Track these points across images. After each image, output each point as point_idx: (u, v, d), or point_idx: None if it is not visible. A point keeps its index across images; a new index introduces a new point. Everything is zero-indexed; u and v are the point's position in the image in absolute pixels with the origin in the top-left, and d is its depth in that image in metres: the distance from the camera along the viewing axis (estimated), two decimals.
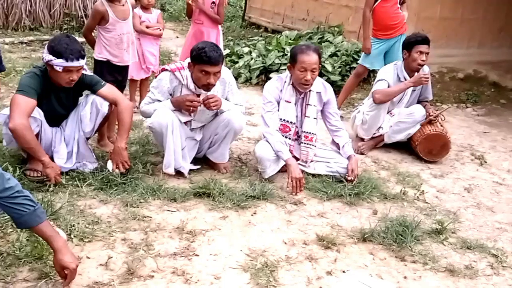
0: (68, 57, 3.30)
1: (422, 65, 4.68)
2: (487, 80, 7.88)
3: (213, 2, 5.82)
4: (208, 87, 3.66)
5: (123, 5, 4.24)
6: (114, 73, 4.31)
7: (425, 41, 4.66)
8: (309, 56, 3.81)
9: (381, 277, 2.83)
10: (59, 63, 3.31)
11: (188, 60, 3.69)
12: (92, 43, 4.34)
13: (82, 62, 3.40)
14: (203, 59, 3.52)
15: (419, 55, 4.65)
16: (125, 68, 4.48)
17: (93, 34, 4.49)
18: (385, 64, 5.46)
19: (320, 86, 4.04)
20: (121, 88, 4.34)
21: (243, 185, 3.76)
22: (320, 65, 3.94)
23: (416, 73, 4.69)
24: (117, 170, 3.53)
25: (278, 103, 3.99)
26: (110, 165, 3.56)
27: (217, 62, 3.57)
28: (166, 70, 3.75)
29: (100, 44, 4.24)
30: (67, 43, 3.34)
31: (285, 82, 3.98)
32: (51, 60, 3.32)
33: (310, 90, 3.96)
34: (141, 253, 2.79)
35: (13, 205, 2.28)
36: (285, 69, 4.28)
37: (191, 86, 3.72)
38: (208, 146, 4.02)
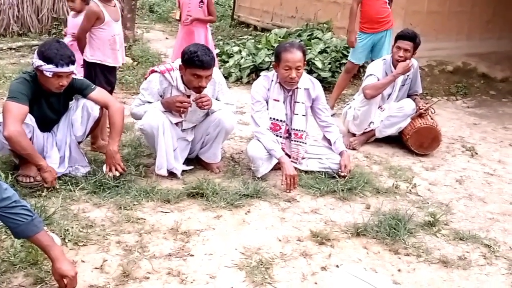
0: (58, 62, 3.29)
1: (399, 61, 4.66)
2: (476, 72, 7.94)
3: (201, 1, 5.84)
4: (199, 90, 3.66)
5: (114, 5, 4.24)
6: (106, 74, 4.30)
7: (405, 37, 4.68)
8: (293, 54, 3.81)
9: (376, 270, 2.86)
10: (49, 69, 3.30)
11: (179, 61, 3.70)
12: (83, 46, 4.22)
13: (72, 68, 3.39)
14: (195, 63, 3.52)
15: (397, 51, 4.69)
16: (115, 69, 4.48)
17: None
18: (371, 59, 5.50)
19: (308, 82, 4.05)
20: (112, 88, 4.35)
21: (236, 184, 3.77)
22: (305, 62, 3.95)
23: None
24: (110, 173, 3.54)
25: (267, 102, 3.99)
26: (105, 168, 3.57)
27: (209, 66, 3.57)
28: (156, 71, 3.75)
29: (92, 46, 4.18)
30: (57, 49, 3.33)
31: (272, 80, 3.99)
32: (41, 66, 3.30)
33: (297, 87, 3.98)
34: (136, 255, 2.79)
35: (11, 215, 2.28)
36: None
37: (181, 87, 3.72)
38: (200, 146, 4.03)
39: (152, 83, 3.74)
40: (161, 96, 3.78)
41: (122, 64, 4.73)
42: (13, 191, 2.32)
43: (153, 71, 3.78)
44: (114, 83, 4.55)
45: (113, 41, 4.22)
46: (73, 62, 3.39)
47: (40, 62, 3.31)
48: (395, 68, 4.71)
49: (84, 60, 4.26)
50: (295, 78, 3.84)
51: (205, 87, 3.68)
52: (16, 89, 3.34)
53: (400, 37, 4.72)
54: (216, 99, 3.90)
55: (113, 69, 4.41)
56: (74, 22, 5.19)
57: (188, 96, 3.74)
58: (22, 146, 3.23)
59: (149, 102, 3.76)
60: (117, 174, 3.55)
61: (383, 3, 5.52)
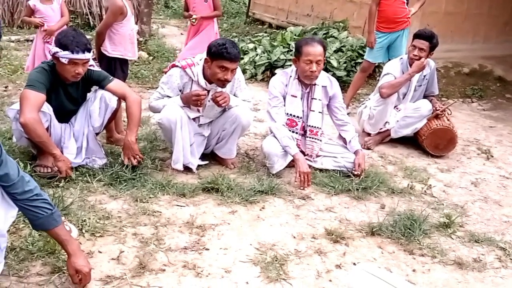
0: (74, 49, 3.33)
1: (414, 59, 4.66)
2: (492, 74, 7.88)
3: None
4: (224, 83, 3.67)
5: None
6: (123, 68, 4.33)
7: (422, 36, 4.67)
8: (314, 47, 3.82)
9: (390, 270, 2.85)
10: (64, 55, 3.34)
11: (200, 56, 3.71)
12: (102, 41, 4.22)
13: (88, 55, 3.42)
14: (224, 55, 3.54)
15: (412, 49, 4.69)
16: (128, 62, 4.52)
17: None
18: (389, 59, 5.49)
19: (325, 80, 4.05)
20: (124, 81, 4.38)
21: (251, 180, 3.78)
22: (325, 58, 3.95)
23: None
24: (128, 162, 3.56)
25: (284, 98, 4.00)
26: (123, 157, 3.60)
27: (237, 58, 3.61)
28: (177, 66, 3.77)
29: (113, 41, 4.21)
30: (74, 36, 3.38)
31: (291, 76, 4.00)
32: (57, 52, 3.35)
33: (315, 84, 3.98)
34: (152, 248, 2.81)
35: (31, 207, 2.30)
36: (290, 65, 4.29)
37: (202, 82, 3.73)
38: (216, 142, 4.04)
39: (173, 77, 3.75)
40: (180, 91, 3.79)
41: (138, 58, 4.77)
42: (35, 184, 2.34)
43: (174, 66, 3.80)
44: (127, 75, 4.60)
45: (132, 35, 4.27)
46: (89, 50, 3.42)
47: (56, 49, 3.35)
48: (411, 67, 4.70)
49: (102, 55, 4.28)
50: (316, 72, 3.84)
51: (230, 81, 3.69)
52: (34, 78, 3.38)
53: (417, 36, 4.71)
54: (234, 95, 3.91)
55: (127, 62, 4.46)
56: (51, 10, 5.22)
57: (208, 91, 3.75)
58: (38, 134, 3.26)
59: (168, 96, 3.78)
60: (135, 163, 3.57)
61: (401, 3, 5.51)
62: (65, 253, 2.46)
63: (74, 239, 2.51)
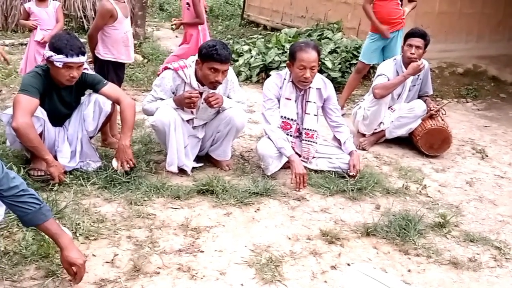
0: (68, 52, 3.32)
1: (411, 58, 4.64)
2: (486, 74, 7.91)
3: (187, 3, 5.85)
4: (215, 85, 3.67)
5: (124, 1, 4.26)
6: (117, 71, 4.31)
7: (415, 34, 4.68)
8: (308, 53, 3.81)
9: (385, 270, 2.85)
10: (59, 59, 3.32)
11: (193, 58, 3.71)
12: (95, 44, 4.20)
13: (82, 59, 3.41)
14: (214, 56, 3.54)
15: (408, 48, 4.68)
16: (125, 65, 4.49)
17: None
18: (383, 60, 5.49)
19: (320, 82, 4.05)
20: (120, 84, 4.37)
21: (246, 182, 3.77)
22: (319, 62, 3.95)
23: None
24: (121, 169, 3.54)
25: (278, 100, 4.00)
26: (115, 163, 3.57)
27: (227, 60, 3.61)
28: (169, 68, 3.77)
29: (105, 44, 4.18)
30: (67, 39, 3.37)
31: (285, 79, 3.99)
32: (51, 56, 3.33)
33: (310, 87, 3.98)
34: (146, 250, 2.80)
35: (19, 203, 2.30)
36: (285, 67, 4.29)
37: (195, 84, 3.73)
38: (211, 144, 4.03)
39: (165, 79, 3.75)
40: (173, 93, 3.79)
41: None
42: (21, 180, 2.33)
43: (166, 68, 3.80)
44: (123, 79, 4.57)
45: (126, 38, 4.24)
46: (83, 53, 3.41)
47: (50, 53, 3.34)
48: (405, 67, 4.70)
49: (96, 58, 4.26)
50: (309, 78, 3.84)
51: (221, 83, 3.69)
52: (28, 82, 3.37)
53: (410, 34, 4.72)
54: (228, 97, 3.91)
55: (123, 66, 4.43)
56: (45, 14, 5.24)
57: (201, 93, 3.75)
58: (30, 138, 3.25)
59: (162, 99, 3.78)
60: (127, 169, 3.56)
61: (395, 4, 5.51)
62: (59, 257, 2.45)
63: (66, 233, 2.50)
